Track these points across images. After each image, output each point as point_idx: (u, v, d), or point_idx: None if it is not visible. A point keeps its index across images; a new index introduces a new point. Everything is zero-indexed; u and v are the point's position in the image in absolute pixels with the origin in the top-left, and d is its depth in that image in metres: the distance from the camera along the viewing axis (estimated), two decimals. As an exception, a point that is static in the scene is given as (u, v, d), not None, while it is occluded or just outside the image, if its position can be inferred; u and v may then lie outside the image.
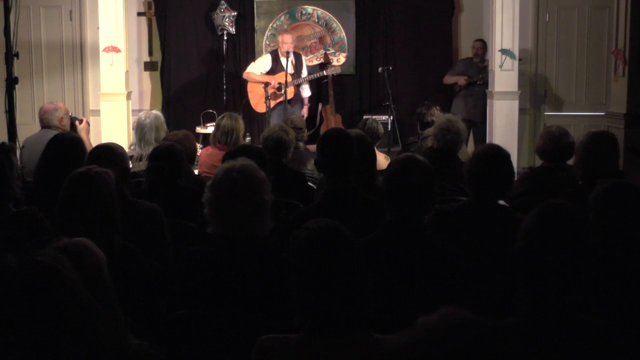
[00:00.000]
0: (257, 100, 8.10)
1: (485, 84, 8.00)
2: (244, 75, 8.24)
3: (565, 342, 1.81)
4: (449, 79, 8.50)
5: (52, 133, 5.00)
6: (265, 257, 2.63)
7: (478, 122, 8.14)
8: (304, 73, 8.17)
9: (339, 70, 8.22)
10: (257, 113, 8.36)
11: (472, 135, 8.10)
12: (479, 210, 3.14)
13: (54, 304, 1.27)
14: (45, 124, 5.43)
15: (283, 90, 7.71)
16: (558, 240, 1.88)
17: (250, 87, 8.21)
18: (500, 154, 3.25)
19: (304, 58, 8.32)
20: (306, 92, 8.24)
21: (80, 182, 2.70)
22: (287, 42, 7.94)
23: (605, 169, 3.63)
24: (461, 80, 8.31)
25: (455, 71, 8.49)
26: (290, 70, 7.92)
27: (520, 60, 7.81)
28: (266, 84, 7.81)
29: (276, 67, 8.01)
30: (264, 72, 8.06)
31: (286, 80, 7.68)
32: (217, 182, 2.66)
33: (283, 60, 7.95)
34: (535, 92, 8.79)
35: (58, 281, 1.30)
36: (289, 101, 7.87)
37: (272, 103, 7.83)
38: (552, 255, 1.87)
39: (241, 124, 5.35)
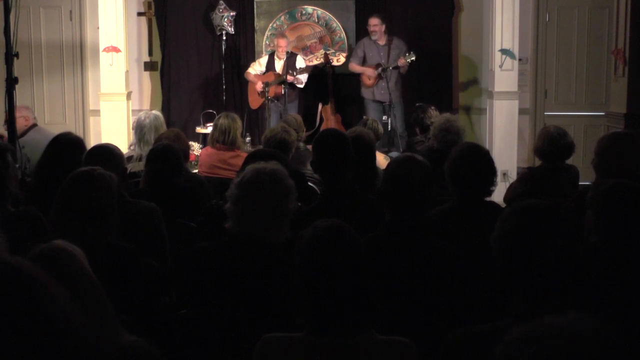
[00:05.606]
0: (252, 98, 8.45)
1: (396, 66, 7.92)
2: (245, 75, 8.52)
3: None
4: (354, 68, 8.25)
5: (45, 132, 5.07)
6: (276, 262, 2.61)
7: (395, 103, 7.99)
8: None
9: (342, 60, 8.46)
10: (258, 113, 8.61)
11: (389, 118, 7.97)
12: (468, 210, 3.13)
13: (30, 303, 1.25)
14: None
15: (266, 90, 7.96)
16: (535, 241, 1.80)
17: (249, 86, 8.50)
18: (480, 151, 3.26)
19: (299, 56, 8.39)
20: (304, 78, 8.29)
21: (80, 181, 2.69)
22: (281, 45, 8.25)
23: (625, 171, 3.50)
24: (369, 72, 8.08)
25: (357, 57, 8.25)
26: (280, 70, 8.14)
27: (520, 60, 7.81)
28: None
29: (270, 68, 8.28)
30: (260, 72, 8.32)
31: (267, 82, 8.01)
32: (245, 181, 2.62)
33: (277, 61, 8.23)
34: (535, 92, 8.79)
35: (31, 281, 1.28)
36: (279, 99, 8.08)
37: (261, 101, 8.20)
38: (532, 257, 1.80)
39: (238, 123, 5.37)
